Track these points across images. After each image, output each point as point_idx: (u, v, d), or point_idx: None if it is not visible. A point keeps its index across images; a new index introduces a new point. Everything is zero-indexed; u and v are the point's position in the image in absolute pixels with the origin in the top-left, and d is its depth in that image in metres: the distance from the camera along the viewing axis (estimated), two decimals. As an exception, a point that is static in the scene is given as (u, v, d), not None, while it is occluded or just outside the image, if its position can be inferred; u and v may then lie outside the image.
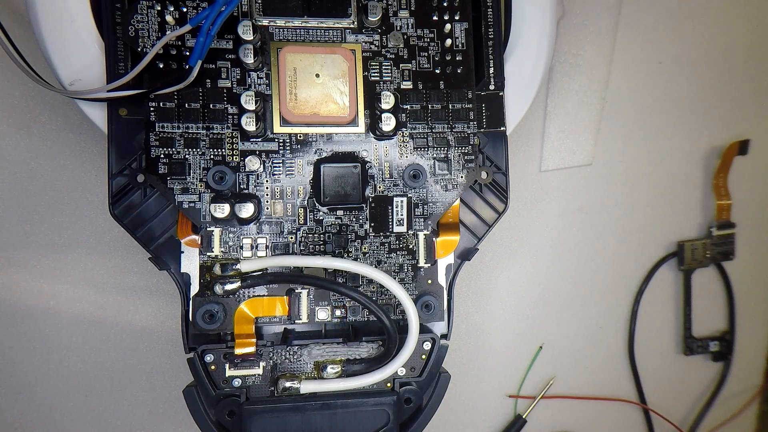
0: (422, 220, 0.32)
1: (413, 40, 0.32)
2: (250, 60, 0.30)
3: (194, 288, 0.30)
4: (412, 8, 0.32)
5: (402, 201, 0.32)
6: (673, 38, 0.46)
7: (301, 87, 0.31)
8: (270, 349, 0.30)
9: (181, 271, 0.30)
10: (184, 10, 0.30)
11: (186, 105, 0.30)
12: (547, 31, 0.34)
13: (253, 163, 0.30)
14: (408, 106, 0.32)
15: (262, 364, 0.30)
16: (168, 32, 0.29)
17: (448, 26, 0.32)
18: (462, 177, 0.32)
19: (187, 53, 0.30)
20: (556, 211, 0.45)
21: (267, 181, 0.31)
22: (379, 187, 0.32)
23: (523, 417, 0.44)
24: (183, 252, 0.30)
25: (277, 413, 0.29)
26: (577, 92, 0.44)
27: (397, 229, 0.32)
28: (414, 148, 0.32)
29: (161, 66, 0.30)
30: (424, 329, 0.32)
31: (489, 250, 0.44)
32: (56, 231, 0.38)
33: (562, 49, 0.43)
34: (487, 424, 0.45)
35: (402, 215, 0.32)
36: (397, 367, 0.29)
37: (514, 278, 0.44)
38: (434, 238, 0.32)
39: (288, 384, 0.29)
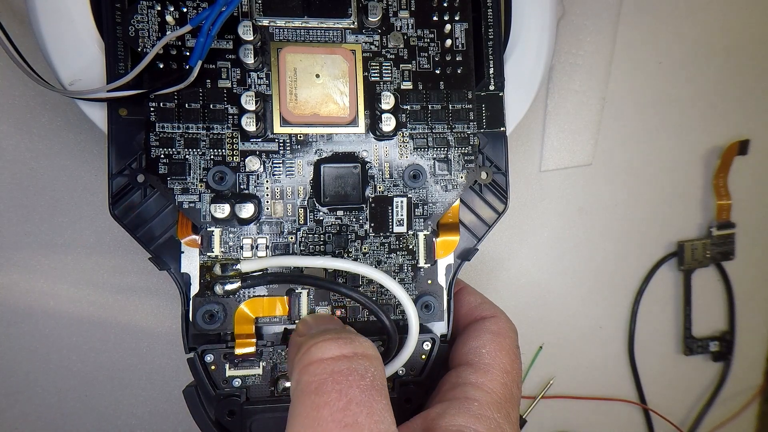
0: (422, 220, 0.32)
1: (413, 41, 0.32)
2: (250, 60, 0.30)
3: (194, 288, 0.30)
4: (412, 8, 0.32)
5: (402, 201, 0.32)
6: (673, 38, 0.45)
7: (301, 87, 0.31)
8: (270, 349, 0.30)
9: (181, 271, 0.30)
10: (184, 10, 0.30)
11: (186, 105, 0.30)
12: (547, 31, 0.34)
13: (253, 164, 0.30)
14: (408, 107, 0.32)
15: (262, 364, 0.30)
16: (168, 32, 0.29)
17: (448, 26, 0.32)
18: (462, 177, 0.32)
19: (187, 53, 0.30)
20: (556, 211, 0.45)
21: (267, 181, 0.31)
22: (379, 188, 0.32)
23: (523, 417, 0.44)
24: (183, 252, 0.30)
25: (277, 413, 0.29)
26: (577, 92, 0.44)
27: (397, 229, 0.32)
28: (414, 149, 0.32)
29: (161, 66, 0.30)
30: (424, 329, 0.32)
31: (489, 250, 0.44)
32: (56, 231, 0.38)
33: (562, 49, 0.43)
34: (487, 424, 0.45)
35: (402, 215, 0.32)
36: (397, 367, 0.29)
37: (514, 278, 0.44)
38: (434, 239, 0.32)
39: (288, 384, 0.29)
